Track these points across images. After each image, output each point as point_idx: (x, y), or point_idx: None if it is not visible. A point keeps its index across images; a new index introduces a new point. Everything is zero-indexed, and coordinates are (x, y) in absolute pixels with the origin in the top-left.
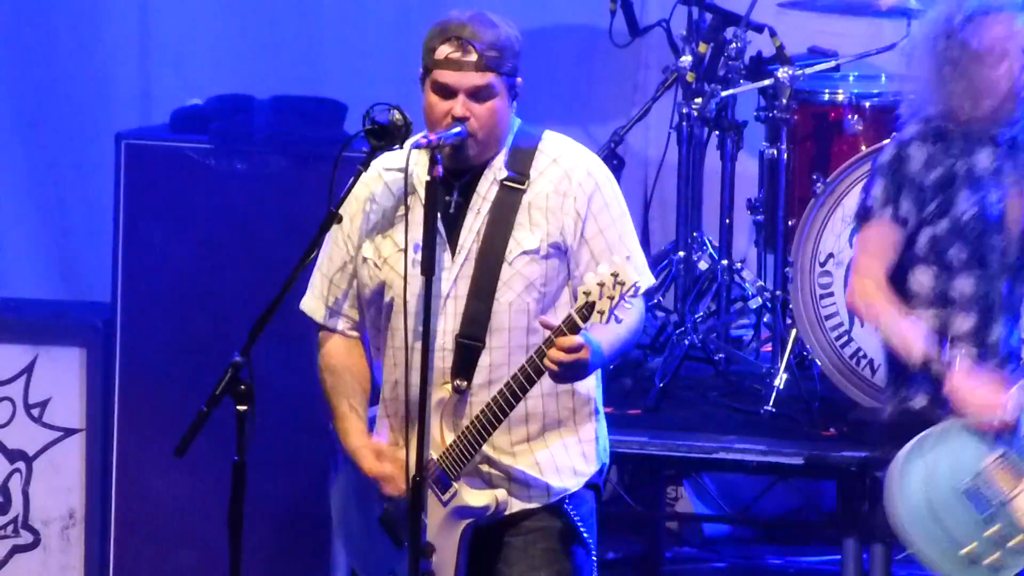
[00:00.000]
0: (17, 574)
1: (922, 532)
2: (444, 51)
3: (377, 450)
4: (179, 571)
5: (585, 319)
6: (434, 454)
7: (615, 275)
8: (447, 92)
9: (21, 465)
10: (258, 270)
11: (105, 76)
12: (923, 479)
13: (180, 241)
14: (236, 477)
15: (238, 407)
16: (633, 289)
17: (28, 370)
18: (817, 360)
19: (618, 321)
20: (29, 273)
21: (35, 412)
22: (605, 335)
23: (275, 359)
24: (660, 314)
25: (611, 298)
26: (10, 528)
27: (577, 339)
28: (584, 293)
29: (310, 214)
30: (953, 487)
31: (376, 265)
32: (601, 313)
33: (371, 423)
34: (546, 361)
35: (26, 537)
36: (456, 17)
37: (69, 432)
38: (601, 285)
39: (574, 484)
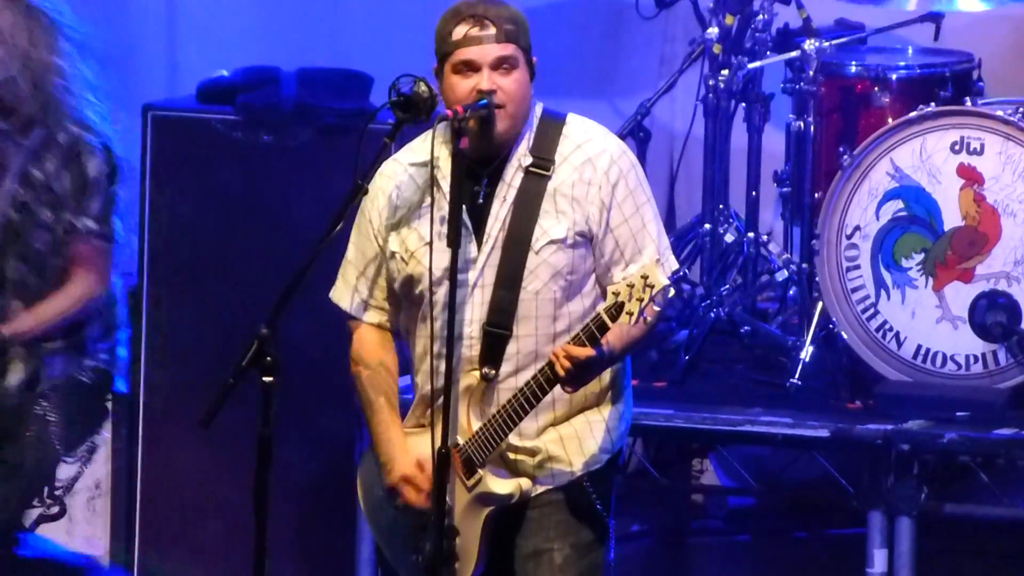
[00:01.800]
0: None
1: None
2: (462, 30)
3: (421, 460)
4: (204, 542)
5: (614, 319)
6: (460, 440)
7: (645, 277)
8: (470, 69)
9: None
10: (284, 242)
11: (132, 48)
12: None
13: (206, 212)
14: (262, 448)
15: (264, 379)
16: (663, 292)
17: None
18: (843, 333)
19: (646, 322)
20: None
21: None
22: (623, 333)
23: (301, 331)
24: (686, 287)
25: (640, 300)
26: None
27: (587, 352)
28: (613, 293)
29: (336, 186)
30: None
31: (403, 259)
32: (630, 314)
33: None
34: (557, 364)
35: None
36: (465, 1)
37: None
38: (631, 287)
39: (596, 462)
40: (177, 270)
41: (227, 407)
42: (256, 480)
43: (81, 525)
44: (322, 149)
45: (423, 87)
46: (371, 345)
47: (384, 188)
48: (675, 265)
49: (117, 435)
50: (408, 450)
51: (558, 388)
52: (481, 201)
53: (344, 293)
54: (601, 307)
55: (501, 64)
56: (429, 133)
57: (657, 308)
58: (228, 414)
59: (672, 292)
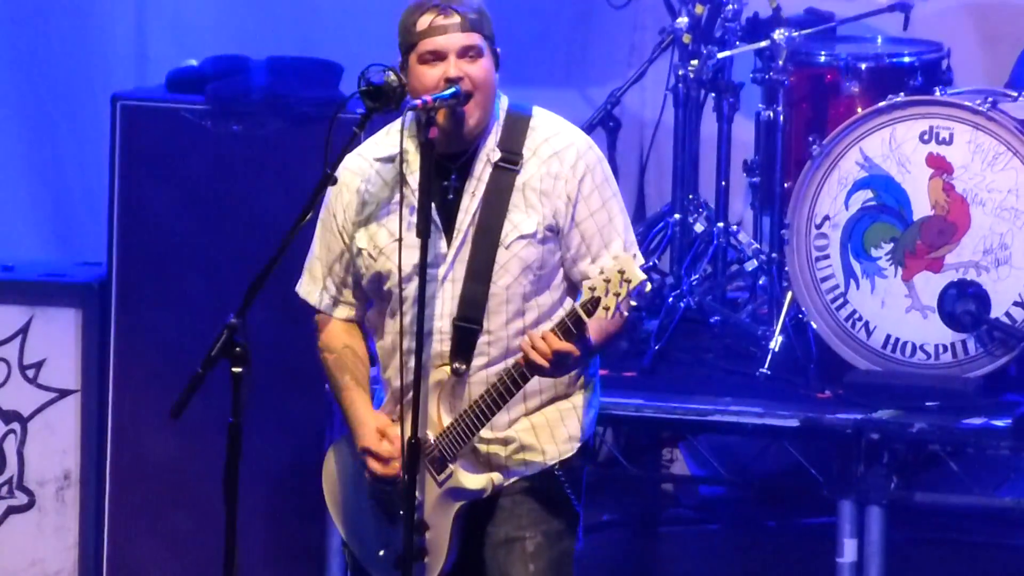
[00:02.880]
0: (12, 535)
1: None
2: (427, 20)
3: (382, 429)
4: (174, 532)
5: (590, 314)
6: (431, 435)
7: (621, 272)
8: (436, 58)
9: (16, 426)
10: (254, 231)
11: (101, 37)
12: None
13: (176, 202)
14: (231, 438)
15: (233, 368)
16: (639, 287)
17: (23, 331)
18: (812, 322)
19: (623, 317)
20: (24, 234)
21: (30, 373)
22: (600, 327)
23: (271, 320)
24: (656, 276)
25: (617, 295)
26: (5, 489)
27: (567, 347)
28: (590, 288)
29: (306, 175)
30: None
31: (371, 256)
32: (607, 309)
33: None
34: (532, 355)
35: (21, 498)
36: None
37: (64, 393)
38: (608, 282)
39: (568, 449)
40: (146, 260)
41: (197, 397)
42: (226, 470)
43: (50, 516)
44: (292, 138)
45: (393, 76)
46: (336, 333)
47: (349, 184)
48: (641, 260)
49: (86, 424)
50: (370, 423)
51: (531, 383)
52: (451, 196)
53: (312, 289)
54: (578, 302)
55: (467, 52)
56: (394, 126)
57: (634, 303)
58: (198, 404)
59: (649, 287)
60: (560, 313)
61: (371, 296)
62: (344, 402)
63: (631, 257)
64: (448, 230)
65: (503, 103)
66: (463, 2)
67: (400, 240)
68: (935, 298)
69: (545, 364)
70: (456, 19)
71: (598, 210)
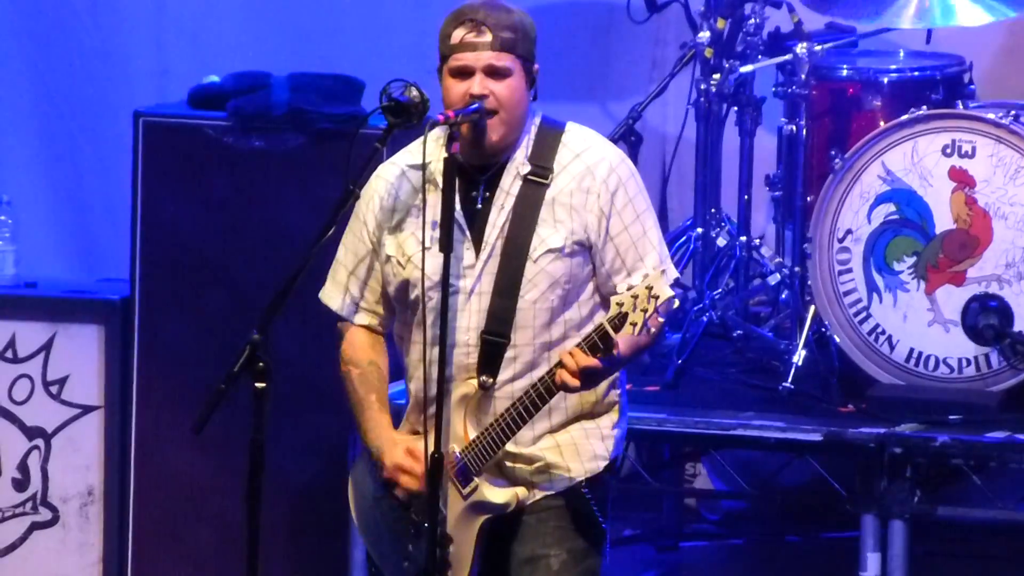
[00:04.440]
0: (36, 551)
1: None
2: (459, 34)
3: (410, 449)
4: (197, 548)
5: (617, 329)
6: (457, 448)
7: (649, 288)
8: (464, 74)
9: (40, 442)
10: (276, 247)
11: (122, 53)
12: None
13: (198, 218)
14: (253, 454)
15: (256, 384)
16: (667, 303)
17: (47, 347)
18: (835, 336)
19: (650, 333)
20: (47, 250)
21: (53, 389)
22: (630, 342)
23: (293, 336)
24: (679, 290)
25: (644, 311)
26: (29, 505)
27: (593, 362)
28: (617, 304)
29: (328, 191)
30: None
31: (400, 264)
32: (634, 325)
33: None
34: (561, 373)
35: (45, 514)
36: (469, 3)
37: (87, 409)
38: (635, 298)
39: (593, 468)
40: (169, 276)
41: (219, 413)
42: (248, 485)
43: (74, 532)
44: (314, 154)
45: (414, 92)
46: (362, 346)
47: (379, 190)
48: (675, 273)
49: (109, 440)
50: (398, 442)
51: (555, 398)
52: (479, 206)
53: (334, 294)
54: (605, 317)
55: (494, 72)
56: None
57: (661, 319)
58: (220, 420)
59: (676, 304)
60: (588, 328)
61: (397, 305)
62: (369, 421)
63: (660, 274)
64: (476, 241)
65: (536, 118)
66: (499, 20)
67: (424, 248)
68: (958, 312)
69: (576, 382)
70: (487, 38)
71: (632, 223)
